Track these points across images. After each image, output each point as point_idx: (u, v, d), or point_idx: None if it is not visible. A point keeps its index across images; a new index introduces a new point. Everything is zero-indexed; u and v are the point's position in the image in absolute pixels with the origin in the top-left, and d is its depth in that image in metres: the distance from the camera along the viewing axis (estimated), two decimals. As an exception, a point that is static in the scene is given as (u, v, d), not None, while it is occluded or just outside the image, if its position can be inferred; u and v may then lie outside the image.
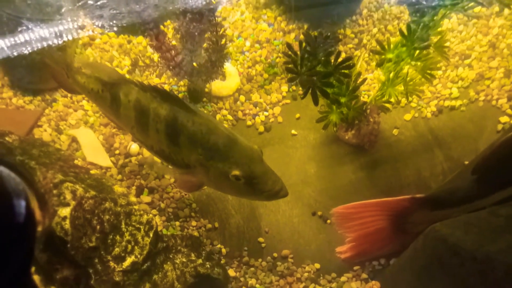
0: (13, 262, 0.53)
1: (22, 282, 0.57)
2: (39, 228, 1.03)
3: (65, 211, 1.03)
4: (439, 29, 1.25)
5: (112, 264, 1.08)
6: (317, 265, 1.36)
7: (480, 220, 1.00)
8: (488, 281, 0.88)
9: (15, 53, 1.36)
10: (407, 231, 1.29)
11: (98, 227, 1.08)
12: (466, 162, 1.43)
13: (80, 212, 1.05)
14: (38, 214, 0.99)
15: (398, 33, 1.24)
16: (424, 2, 1.19)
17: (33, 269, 1.04)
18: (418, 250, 1.11)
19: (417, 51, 1.24)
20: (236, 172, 1.03)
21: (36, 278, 1.04)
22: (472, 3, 1.20)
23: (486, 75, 1.59)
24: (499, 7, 1.68)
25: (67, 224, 1.02)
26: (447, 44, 1.33)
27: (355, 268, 1.35)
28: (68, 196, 1.05)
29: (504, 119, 1.50)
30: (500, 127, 1.49)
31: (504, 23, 1.68)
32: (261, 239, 1.40)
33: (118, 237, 1.11)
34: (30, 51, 1.36)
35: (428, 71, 1.28)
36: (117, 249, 1.10)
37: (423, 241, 1.08)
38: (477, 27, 1.70)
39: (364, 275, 1.34)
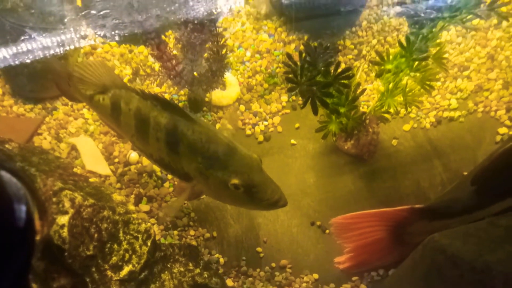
0: (13, 266, 0.53)
1: (21, 287, 0.57)
2: (37, 237, 1.03)
3: (63, 219, 1.02)
4: (437, 41, 1.26)
5: (109, 273, 1.08)
6: (316, 276, 1.36)
7: (479, 230, 1.00)
8: (487, 292, 0.88)
9: (17, 62, 1.37)
10: (406, 241, 1.29)
11: (96, 235, 1.07)
12: (465, 173, 1.43)
13: (78, 220, 1.05)
14: (37, 223, 0.98)
15: (397, 44, 1.25)
16: (423, 15, 1.20)
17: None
18: (417, 260, 1.10)
19: (416, 62, 1.25)
20: (235, 181, 1.03)
21: (33, 286, 1.03)
22: (470, 16, 1.21)
23: (485, 87, 1.60)
24: (497, 19, 1.70)
25: (65, 232, 1.02)
26: (446, 55, 1.34)
27: (354, 278, 1.35)
28: (67, 204, 1.05)
29: (502, 130, 1.50)
30: (498, 138, 1.49)
31: (502, 35, 1.69)
32: (259, 249, 1.39)
33: (115, 246, 1.10)
34: (32, 60, 1.37)
35: (427, 82, 1.29)
36: (114, 258, 1.09)
37: (422, 251, 1.08)
38: (475, 39, 1.71)
39: (363, 286, 1.33)
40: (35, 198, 1.02)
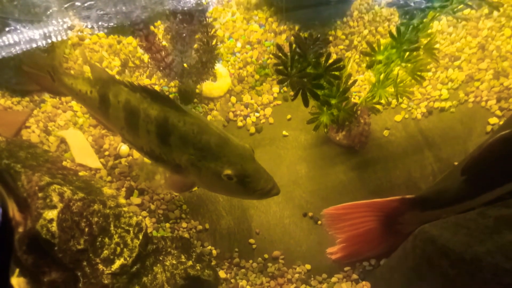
0: None
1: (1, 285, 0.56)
2: (20, 229, 1.02)
3: (51, 214, 1.01)
4: (428, 31, 1.25)
5: (100, 266, 1.07)
6: (308, 266, 1.36)
7: (469, 221, 1.00)
8: (476, 282, 0.89)
9: (3, 54, 1.34)
10: (398, 231, 1.30)
11: (86, 229, 1.07)
12: (456, 163, 1.44)
13: (67, 214, 1.04)
14: (18, 215, 0.97)
15: (388, 34, 1.24)
16: (412, 4, 1.19)
17: (17, 271, 1.03)
18: (408, 251, 1.11)
19: (407, 53, 1.25)
20: (228, 172, 1.03)
21: (22, 280, 1.03)
22: (461, 6, 1.20)
23: (476, 77, 1.60)
24: (488, 9, 1.70)
25: (53, 227, 1.01)
26: (437, 46, 1.34)
27: (346, 268, 1.35)
28: (55, 198, 1.04)
29: (493, 120, 1.51)
30: (489, 128, 1.50)
31: (493, 25, 1.69)
32: (252, 240, 1.39)
33: (107, 240, 1.10)
34: (18, 52, 1.34)
35: (418, 73, 1.29)
36: (106, 252, 1.09)
37: (413, 242, 1.09)
38: (466, 29, 1.71)
39: (355, 276, 1.34)
40: (15, 196, 1.00)
